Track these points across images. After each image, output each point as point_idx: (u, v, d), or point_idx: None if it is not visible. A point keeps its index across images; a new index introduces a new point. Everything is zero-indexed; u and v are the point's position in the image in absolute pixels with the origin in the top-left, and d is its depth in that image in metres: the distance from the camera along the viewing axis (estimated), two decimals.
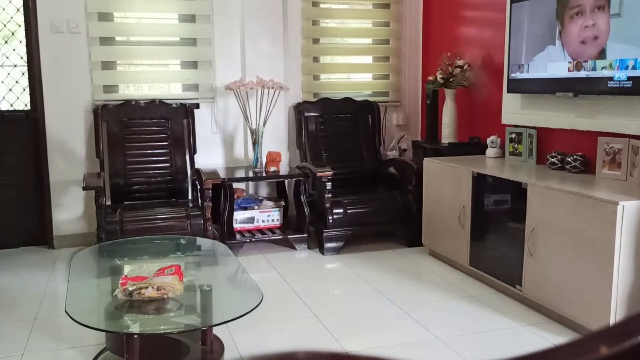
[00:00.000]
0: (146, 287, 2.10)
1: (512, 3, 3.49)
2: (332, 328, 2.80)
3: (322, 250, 3.99)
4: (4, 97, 4.10)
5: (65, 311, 2.08)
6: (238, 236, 3.98)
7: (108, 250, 3.00)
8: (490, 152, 3.81)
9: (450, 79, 4.07)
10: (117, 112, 4.05)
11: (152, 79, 4.32)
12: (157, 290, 2.10)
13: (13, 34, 4.07)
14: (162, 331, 2.20)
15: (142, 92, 4.29)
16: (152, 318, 2.12)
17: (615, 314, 2.50)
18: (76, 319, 2.02)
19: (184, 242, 3.07)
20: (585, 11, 2.97)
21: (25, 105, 4.13)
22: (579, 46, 3.02)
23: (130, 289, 2.10)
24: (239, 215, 4.08)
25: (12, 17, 4.04)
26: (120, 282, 2.16)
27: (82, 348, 2.61)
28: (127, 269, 2.56)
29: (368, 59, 4.87)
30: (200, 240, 3.16)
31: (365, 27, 4.78)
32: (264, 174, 4.12)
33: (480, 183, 3.34)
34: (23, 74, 4.09)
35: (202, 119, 4.33)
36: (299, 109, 4.44)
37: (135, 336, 2.04)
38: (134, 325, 2.06)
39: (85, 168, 4.13)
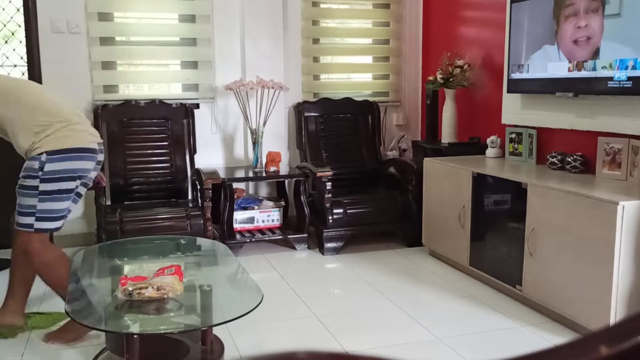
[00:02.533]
0: (146, 287, 2.10)
1: (512, 3, 3.49)
2: (332, 328, 2.79)
3: (322, 250, 3.99)
4: None
5: (65, 311, 2.08)
6: (238, 236, 3.98)
7: (108, 250, 3.00)
8: (490, 152, 3.81)
9: (450, 79, 4.07)
10: (117, 112, 4.05)
11: (152, 79, 4.32)
12: (157, 290, 2.10)
13: (13, 34, 4.07)
14: (162, 331, 2.20)
15: (142, 92, 4.29)
16: (152, 318, 2.11)
17: (615, 314, 2.50)
18: (76, 319, 2.03)
19: (183, 242, 3.07)
20: (579, 12, 2.98)
21: None
22: (572, 46, 3.02)
23: (130, 289, 2.10)
24: (239, 215, 4.08)
25: (12, 17, 4.05)
26: (120, 282, 2.16)
27: (82, 348, 2.61)
28: (126, 269, 2.56)
29: (368, 59, 4.87)
30: (200, 240, 3.16)
31: (365, 27, 4.78)
32: (264, 174, 4.12)
33: (480, 183, 3.34)
34: (23, 74, 4.09)
35: (202, 119, 4.34)
36: (299, 109, 4.44)
37: (135, 336, 2.03)
38: (134, 325, 2.06)
39: None
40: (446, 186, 3.63)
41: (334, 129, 4.52)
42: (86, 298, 2.32)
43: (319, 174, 3.93)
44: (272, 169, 4.11)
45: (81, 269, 2.61)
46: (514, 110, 3.66)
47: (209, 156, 4.35)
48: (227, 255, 2.77)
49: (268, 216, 4.16)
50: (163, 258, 2.74)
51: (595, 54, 2.91)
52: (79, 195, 2.66)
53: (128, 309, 2.10)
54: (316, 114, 4.48)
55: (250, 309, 2.06)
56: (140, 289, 2.09)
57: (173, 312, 2.12)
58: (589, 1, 2.92)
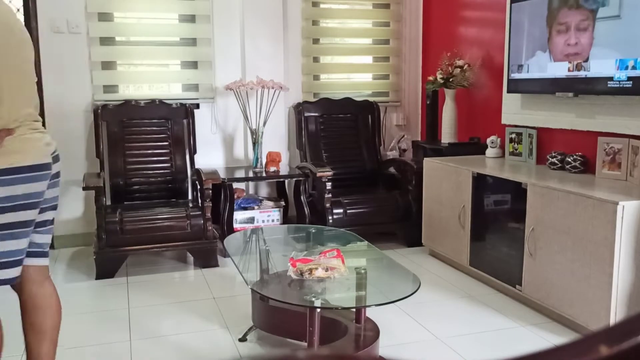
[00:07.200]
0: (316, 268, 2.29)
1: (512, 3, 3.49)
2: None
3: None
4: None
5: (251, 288, 2.38)
6: None
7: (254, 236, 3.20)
8: (490, 152, 3.81)
9: (450, 79, 4.07)
10: (117, 112, 4.05)
11: (152, 79, 4.32)
12: (326, 271, 2.28)
13: None
14: (343, 306, 2.40)
15: (142, 92, 4.29)
16: (325, 296, 2.26)
17: (615, 314, 2.50)
18: (263, 293, 2.35)
19: (314, 231, 3.19)
20: (570, 29, 2.98)
21: None
22: (564, 58, 3.03)
23: (304, 268, 2.29)
24: (239, 215, 4.08)
25: None
26: (290, 262, 2.36)
27: (82, 348, 2.61)
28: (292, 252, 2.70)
29: (368, 59, 4.87)
30: (331, 230, 3.33)
31: (365, 27, 4.78)
32: (264, 174, 4.12)
33: (480, 183, 3.34)
34: None
35: (202, 119, 4.34)
36: (299, 109, 4.44)
37: (318, 310, 2.19)
38: (316, 301, 2.20)
39: (85, 168, 4.13)
40: (446, 186, 3.63)
41: (334, 129, 4.52)
42: (263, 275, 2.57)
43: (319, 174, 3.93)
44: (272, 169, 4.11)
45: (239, 251, 2.85)
46: (514, 110, 3.66)
47: (209, 156, 4.35)
48: (369, 246, 2.89)
49: (268, 216, 4.16)
50: (313, 244, 2.92)
51: (586, 61, 2.91)
52: (45, 223, 1.99)
53: (300, 286, 2.28)
54: (316, 114, 4.48)
55: (410, 293, 2.19)
56: (311, 269, 2.28)
57: (340, 292, 2.30)
58: (580, 20, 2.92)
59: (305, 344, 2.28)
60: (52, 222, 2.04)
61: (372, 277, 2.48)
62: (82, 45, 4.06)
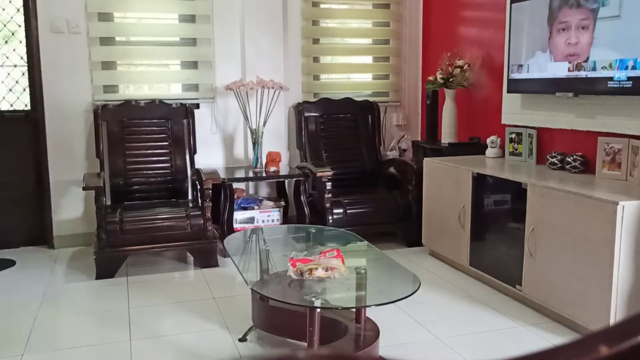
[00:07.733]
0: (316, 268, 2.29)
1: (512, 3, 3.49)
2: None
3: None
4: (4, 97, 4.10)
5: (251, 288, 2.39)
6: None
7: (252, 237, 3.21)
8: (490, 152, 3.81)
9: (450, 79, 4.07)
10: (117, 112, 4.05)
11: (152, 79, 4.32)
12: (326, 271, 2.30)
13: (13, 34, 4.07)
14: (343, 306, 2.41)
15: (142, 92, 4.29)
16: (325, 296, 2.26)
17: (615, 314, 2.50)
18: (263, 293, 2.36)
19: (314, 231, 3.19)
20: (570, 29, 2.98)
21: (25, 105, 4.13)
22: (564, 57, 3.03)
23: (304, 268, 2.29)
24: (239, 215, 4.08)
25: (12, 17, 4.04)
26: (290, 263, 2.36)
27: (82, 348, 2.61)
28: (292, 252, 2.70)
29: (368, 59, 4.87)
30: (331, 230, 3.33)
31: (365, 27, 4.78)
32: (264, 174, 4.12)
33: (480, 183, 3.34)
34: (23, 74, 4.09)
35: (202, 119, 4.34)
36: (299, 109, 4.44)
37: (318, 310, 2.19)
38: (316, 301, 2.20)
39: (85, 168, 4.13)
40: (446, 186, 3.63)
41: (334, 129, 4.52)
42: (263, 275, 2.57)
43: (319, 174, 3.93)
44: (272, 169, 4.11)
45: (239, 251, 2.85)
46: (514, 110, 3.66)
47: (209, 156, 4.35)
48: (370, 246, 2.89)
49: (268, 216, 4.16)
50: (313, 244, 2.92)
51: (586, 61, 2.91)
52: None
53: (300, 286, 2.28)
54: (316, 114, 4.48)
55: (410, 293, 2.20)
56: (311, 269, 2.29)
57: (340, 292, 2.30)
58: (580, 20, 2.93)
59: (305, 344, 2.28)
60: None
61: (372, 277, 2.48)
62: (82, 45, 4.06)
